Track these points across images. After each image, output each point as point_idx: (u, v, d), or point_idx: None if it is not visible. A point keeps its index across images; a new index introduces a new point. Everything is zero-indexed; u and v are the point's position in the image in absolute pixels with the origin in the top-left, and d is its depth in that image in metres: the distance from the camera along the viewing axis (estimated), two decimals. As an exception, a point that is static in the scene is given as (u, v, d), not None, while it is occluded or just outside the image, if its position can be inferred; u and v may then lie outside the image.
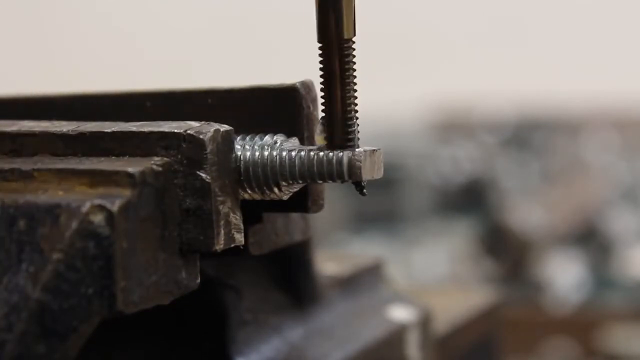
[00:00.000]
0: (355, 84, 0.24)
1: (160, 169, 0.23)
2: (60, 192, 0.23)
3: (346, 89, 0.24)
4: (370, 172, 0.24)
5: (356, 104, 0.24)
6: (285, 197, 0.25)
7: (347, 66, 0.24)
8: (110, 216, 0.22)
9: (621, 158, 0.99)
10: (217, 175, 0.23)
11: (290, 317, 0.30)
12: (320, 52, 0.24)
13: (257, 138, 0.25)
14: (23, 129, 0.25)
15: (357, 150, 0.24)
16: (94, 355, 0.25)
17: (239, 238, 0.24)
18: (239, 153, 0.24)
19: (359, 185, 0.25)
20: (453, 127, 1.07)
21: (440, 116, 1.12)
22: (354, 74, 0.24)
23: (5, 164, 0.24)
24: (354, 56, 0.24)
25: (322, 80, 0.24)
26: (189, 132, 0.23)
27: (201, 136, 0.23)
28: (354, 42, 0.24)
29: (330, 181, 0.24)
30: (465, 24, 1.26)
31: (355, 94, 0.24)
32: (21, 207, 0.22)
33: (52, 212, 0.22)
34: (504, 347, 0.42)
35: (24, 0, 1.36)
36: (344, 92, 0.24)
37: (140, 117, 0.25)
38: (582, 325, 0.68)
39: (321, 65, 0.24)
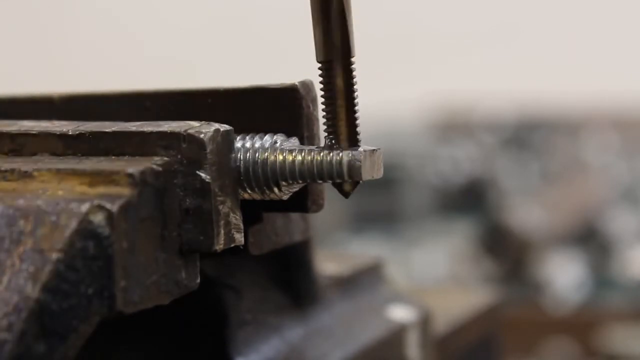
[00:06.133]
0: (355, 90, 0.24)
1: (160, 169, 0.23)
2: (60, 192, 0.23)
3: (344, 99, 0.24)
4: (370, 172, 0.24)
5: (356, 104, 0.24)
6: (285, 197, 0.25)
7: (350, 81, 0.24)
8: (110, 216, 0.22)
9: (621, 158, 0.99)
10: (217, 175, 0.23)
11: (290, 317, 0.30)
12: (320, 71, 0.24)
13: (257, 138, 0.25)
14: (23, 129, 0.25)
15: (357, 150, 0.24)
16: (94, 355, 0.25)
17: (239, 238, 0.24)
18: (239, 153, 0.24)
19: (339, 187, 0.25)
20: (453, 127, 1.07)
21: (440, 116, 1.12)
22: (354, 82, 0.24)
23: (5, 164, 0.24)
24: (354, 75, 0.24)
25: (322, 93, 0.24)
26: (189, 132, 0.23)
27: (201, 136, 0.23)
28: (352, 58, 0.24)
29: (330, 181, 0.24)
30: (465, 24, 1.26)
31: (355, 97, 0.24)
32: (21, 207, 0.22)
33: (52, 212, 0.22)
34: (504, 347, 0.42)
35: (24, 0, 1.36)
36: (342, 102, 0.24)
37: (140, 117, 0.25)
38: (582, 325, 0.68)
39: (321, 83, 0.24)
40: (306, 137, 0.25)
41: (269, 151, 0.24)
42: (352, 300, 0.32)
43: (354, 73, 0.24)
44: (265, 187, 0.25)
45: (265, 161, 0.24)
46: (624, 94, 1.07)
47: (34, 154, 0.25)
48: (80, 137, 0.24)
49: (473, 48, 1.24)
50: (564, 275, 0.74)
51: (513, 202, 0.82)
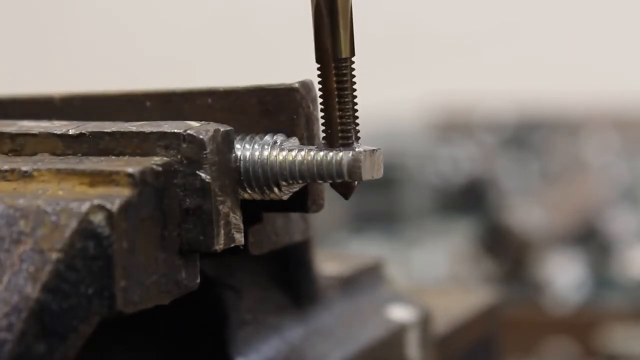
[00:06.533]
0: (354, 90, 0.24)
1: (160, 169, 0.23)
2: (60, 192, 0.23)
3: (345, 99, 0.24)
4: (370, 172, 0.24)
5: (356, 103, 0.24)
6: (285, 197, 0.25)
7: (345, 85, 0.24)
8: (110, 216, 0.22)
9: (621, 158, 0.99)
10: (217, 175, 0.23)
11: (290, 317, 0.30)
12: (319, 71, 0.24)
13: (257, 138, 0.25)
14: (23, 129, 0.25)
15: (357, 150, 0.24)
16: (94, 356, 0.25)
17: (239, 238, 0.24)
18: (238, 153, 0.24)
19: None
20: (453, 127, 1.07)
21: (440, 116, 1.12)
22: (354, 86, 0.24)
23: (5, 164, 0.24)
24: (353, 75, 0.24)
25: (321, 94, 0.24)
26: (189, 132, 0.23)
27: (201, 136, 0.23)
28: (353, 61, 0.24)
29: (330, 181, 0.24)
30: (465, 24, 1.26)
31: (355, 95, 0.24)
32: (21, 207, 0.22)
33: (52, 212, 0.22)
34: (504, 347, 0.42)
35: (24, 0, 1.36)
36: (342, 104, 0.24)
37: (140, 117, 0.25)
38: (582, 325, 0.68)
39: (320, 83, 0.24)
40: (306, 137, 0.25)
41: (269, 151, 0.24)
42: (352, 300, 0.32)
43: (348, 75, 0.24)
44: (265, 187, 0.25)
45: (265, 161, 0.24)
46: (624, 94, 1.07)
47: (34, 154, 0.25)
48: (80, 137, 0.24)
49: (473, 48, 1.24)
50: (564, 275, 0.74)
51: (513, 202, 0.82)
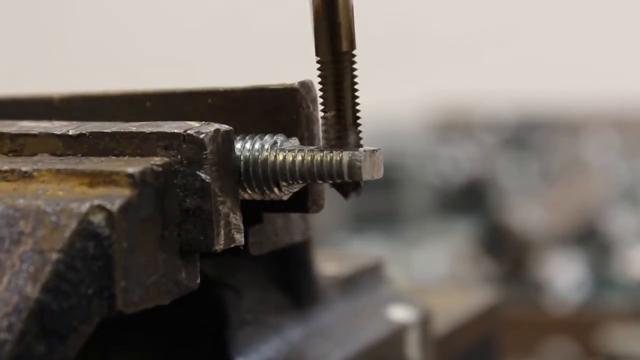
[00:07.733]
0: (356, 90, 0.24)
1: (160, 169, 0.23)
2: (60, 192, 0.23)
3: (344, 97, 0.24)
4: (370, 172, 0.24)
5: (358, 104, 0.24)
6: (285, 197, 0.25)
7: (345, 80, 0.24)
8: (110, 216, 0.22)
9: (621, 158, 0.99)
10: (217, 176, 0.23)
11: (290, 317, 0.30)
12: (319, 71, 0.24)
13: (257, 138, 0.25)
14: (23, 129, 0.25)
15: (357, 150, 0.24)
16: (94, 356, 0.25)
17: (239, 238, 0.24)
18: (239, 153, 0.24)
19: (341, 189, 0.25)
20: (453, 127, 1.07)
21: (440, 116, 1.12)
22: (354, 81, 0.24)
23: (5, 164, 0.24)
24: (354, 69, 0.24)
25: (320, 94, 0.24)
26: (189, 132, 0.23)
27: (201, 136, 0.23)
28: (353, 55, 0.24)
29: (330, 181, 0.24)
30: (465, 24, 1.26)
31: (356, 95, 0.24)
32: (21, 207, 0.22)
33: (52, 212, 0.22)
34: (504, 347, 0.42)
35: (24, 0, 1.36)
36: (342, 100, 0.24)
37: (140, 117, 0.25)
38: (582, 325, 0.68)
39: (324, 83, 0.24)
40: (306, 137, 0.25)
41: (269, 151, 0.25)
42: (352, 300, 0.32)
43: (348, 69, 0.24)
44: (265, 187, 0.25)
45: (265, 161, 0.24)
46: (624, 94, 1.07)
47: (34, 154, 0.25)
48: (80, 137, 0.24)
49: (473, 48, 1.24)
50: (564, 275, 0.74)
51: (513, 202, 0.82)
